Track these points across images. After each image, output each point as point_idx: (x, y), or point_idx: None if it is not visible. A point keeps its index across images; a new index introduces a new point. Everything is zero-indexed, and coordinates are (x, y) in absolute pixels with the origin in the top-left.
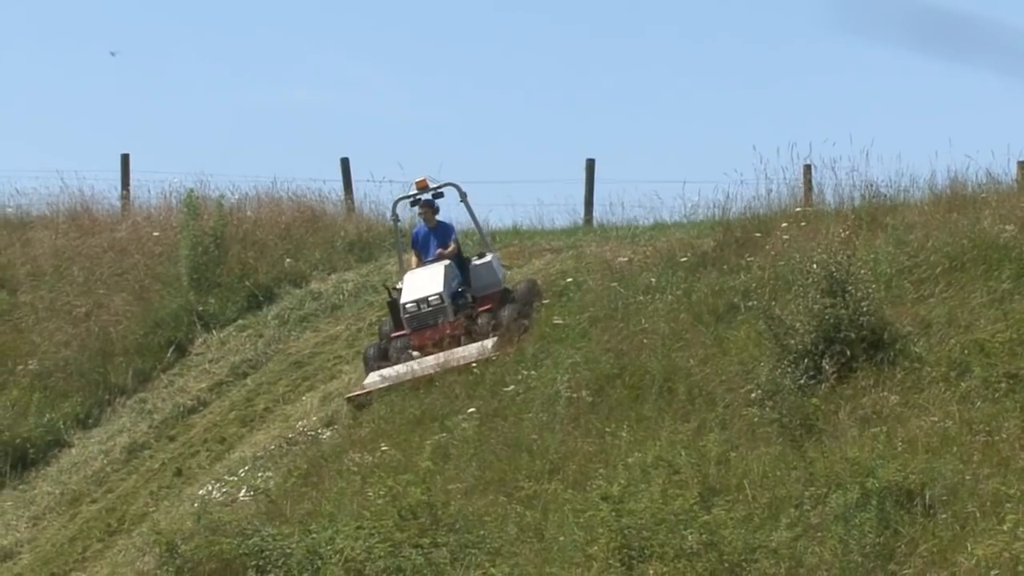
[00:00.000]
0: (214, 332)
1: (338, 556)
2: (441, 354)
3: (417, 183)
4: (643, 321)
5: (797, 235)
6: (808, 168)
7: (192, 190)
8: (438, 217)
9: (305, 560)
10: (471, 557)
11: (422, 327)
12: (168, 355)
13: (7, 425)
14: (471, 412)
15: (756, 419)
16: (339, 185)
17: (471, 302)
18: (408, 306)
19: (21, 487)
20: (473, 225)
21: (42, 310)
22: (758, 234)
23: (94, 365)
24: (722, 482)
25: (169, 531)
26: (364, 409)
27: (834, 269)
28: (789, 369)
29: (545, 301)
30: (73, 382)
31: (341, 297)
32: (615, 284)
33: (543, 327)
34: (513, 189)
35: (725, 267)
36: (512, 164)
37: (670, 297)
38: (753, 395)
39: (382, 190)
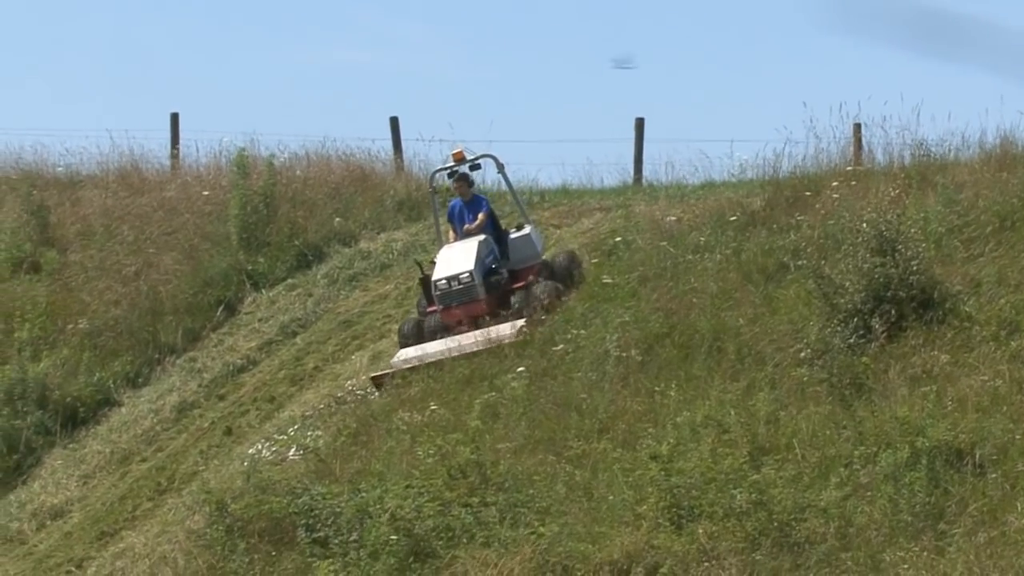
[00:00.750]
0: (263, 291)
1: (387, 515)
2: (470, 334)
3: (453, 154)
4: (692, 280)
5: (847, 194)
6: (858, 127)
7: (242, 149)
8: (473, 190)
9: (354, 519)
10: (520, 516)
11: (454, 305)
12: (218, 314)
13: (57, 384)
14: (520, 371)
15: (805, 378)
16: (388, 144)
17: (505, 278)
18: (439, 283)
19: (71, 446)
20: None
21: (92, 269)
22: (808, 193)
23: (144, 324)
24: (771, 441)
25: (219, 490)
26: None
27: (884, 228)
28: (839, 328)
29: (594, 260)
30: (123, 341)
31: (390, 256)
32: (664, 243)
33: (592, 286)
34: (563, 148)
35: (775, 226)
36: (562, 123)
37: (719, 256)
38: (803, 354)
39: (431, 149)
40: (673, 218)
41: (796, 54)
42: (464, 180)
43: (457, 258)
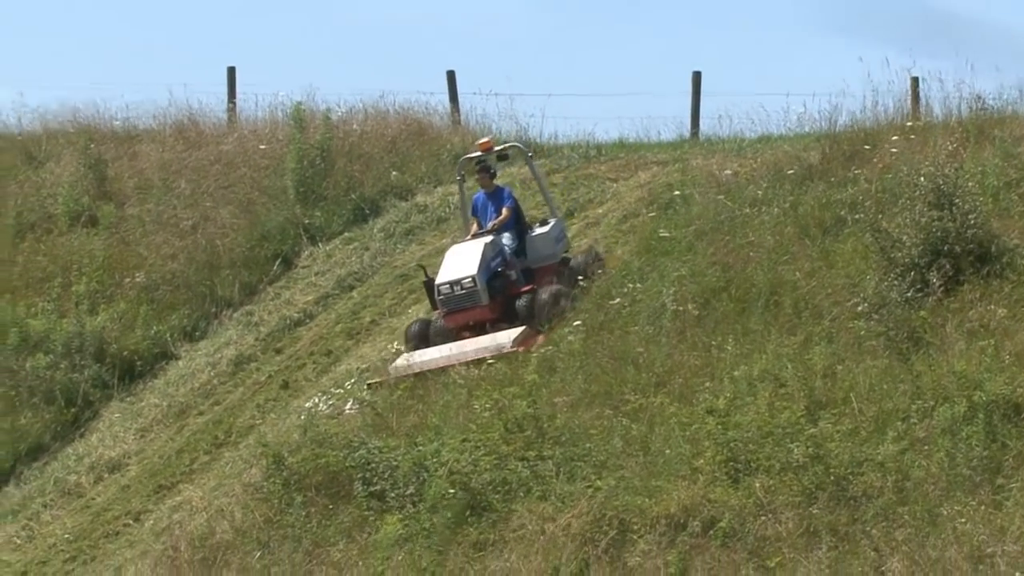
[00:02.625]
0: (320, 245)
1: (444, 469)
2: (471, 340)
3: (480, 144)
4: (749, 234)
5: (904, 148)
6: (915, 80)
7: (299, 103)
8: (497, 182)
9: (411, 473)
10: (577, 470)
11: (456, 310)
12: (274, 268)
13: (115, 337)
14: (577, 325)
15: (862, 332)
16: (445, 98)
17: (513, 280)
18: (442, 288)
19: (129, 399)
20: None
21: (149, 223)
22: (865, 147)
23: (201, 278)
24: (828, 395)
25: (276, 443)
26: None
27: (941, 182)
28: (896, 282)
29: (651, 214)
30: (180, 295)
31: (447, 210)
32: (721, 197)
33: (649, 240)
34: (620, 102)
35: (832, 180)
36: (619, 77)
37: (776, 210)
38: (859, 308)
39: (488, 103)
40: (730, 172)
41: (852, 9)
42: (486, 171)
43: (461, 261)
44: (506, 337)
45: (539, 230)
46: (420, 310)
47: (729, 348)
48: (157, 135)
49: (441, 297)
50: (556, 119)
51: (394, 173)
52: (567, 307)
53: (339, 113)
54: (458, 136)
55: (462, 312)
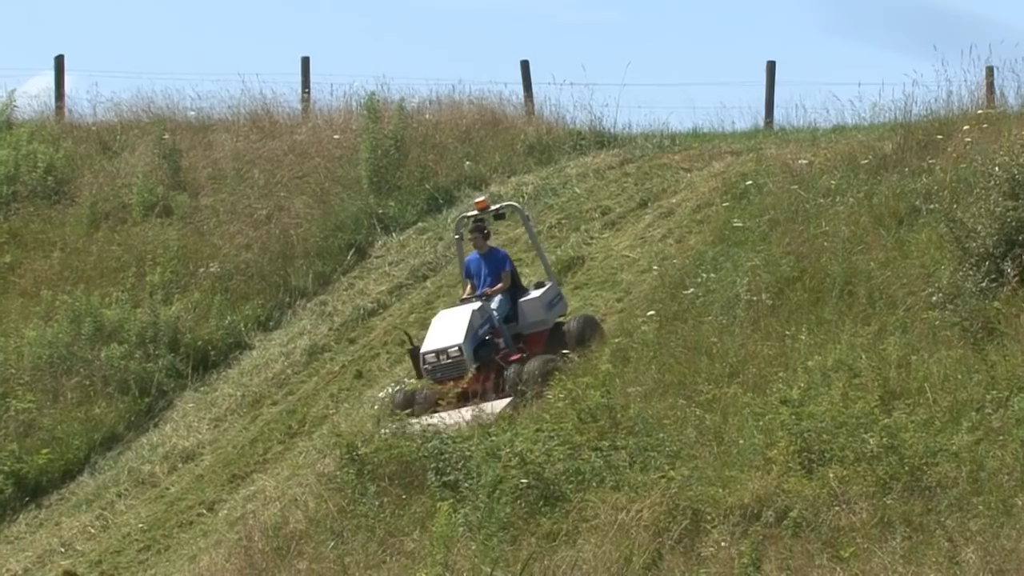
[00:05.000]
0: (394, 235)
1: (517, 458)
2: (458, 410)
3: (476, 203)
4: (823, 224)
5: (979, 137)
6: (990, 70)
7: (373, 93)
8: (491, 243)
9: (484, 462)
10: (650, 460)
11: (442, 380)
12: (348, 258)
13: (189, 327)
14: (650, 315)
15: (937, 322)
16: (519, 88)
17: (502, 348)
18: (428, 357)
19: (203, 389)
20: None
21: (223, 213)
22: (939, 136)
23: (275, 268)
24: (902, 385)
25: (349, 433)
26: None
27: (1016, 172)
28: (970, 272)
29: (725, 204)
30: (254, 284)
31: (521, 200)
32: (795, 187)
33: (723, 230)
34: (694, 91)
35: (906, 170)
36: (694, 66)
37: (851, 200)
38: (934, 298)
39: (563, 93)
40: (804, 161)
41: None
42: (479, 232)
43: (447, 329)
44: (491, 409)
45: (533, 294)
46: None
47: (803, 338)
48: (231, 125)
49: (427, 367)
50: (630, 108)
51: (468, 163)
52: (555, 373)
53: (413, 103)
54: (532, 126)
55: (449, 380)
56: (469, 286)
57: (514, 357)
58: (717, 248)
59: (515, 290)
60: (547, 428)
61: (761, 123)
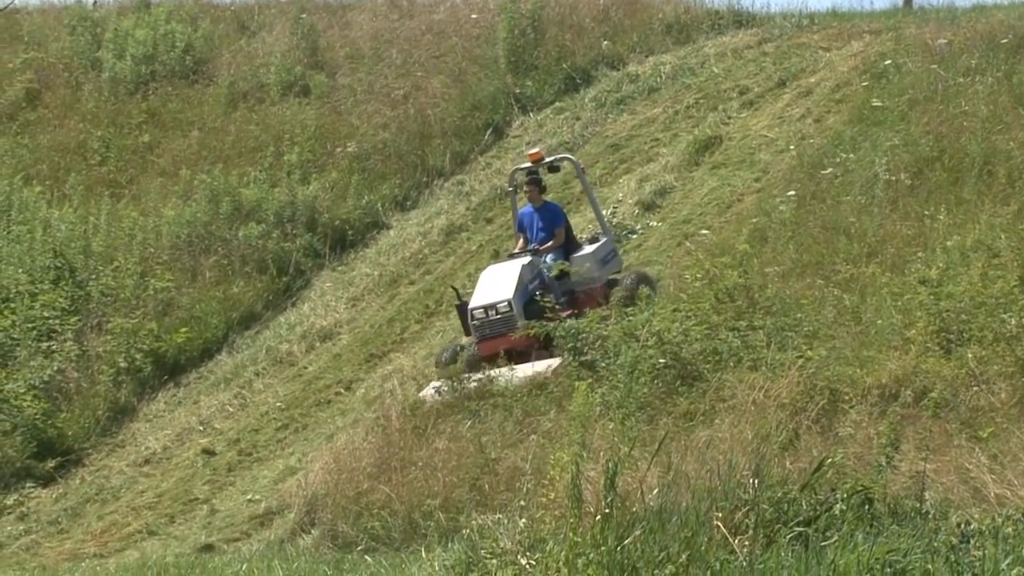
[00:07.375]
0: (531, 114)
1: (654, 338)
2: (505, 369)
3: (530, 155)
4: (963, 103)
5: None
6: None
7: None
8: (546, 197)
9: (621, 341)
10: (788, 340)
11: (490, 336)
12: (485, 137)
13: (326, 207)
14: (789, 195)
15: None
16: None
17: (555, 303)
18: (476, 312)
19: (340, 268)
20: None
21: (360, 92)
22: None
23: (412, 147)
24: None
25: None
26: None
27: None
28: None
29: (863, 83)
30: (391, 164)
31: (658, 80)
32: (935, 66)
33: (862, 109)
34: None
35: None
36: None
37: (990, 79)
38: None
39: None
40: (944, 41)
41: None
42: (535, 184)
43: (496, 284)
44: (544, 367)
45: (586, 249)
46: (632, 179)
47: (942, 218)
48: (369, 4)
49: (475, 322)
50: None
51: (605, 43)
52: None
53: None
54: (670, 5)
55: (498, 338)
56: (521, 239)
57: (565, 314)
58: (856, 128)
59: (568, 245)
60: (684, 308)
61: (900, 2)
